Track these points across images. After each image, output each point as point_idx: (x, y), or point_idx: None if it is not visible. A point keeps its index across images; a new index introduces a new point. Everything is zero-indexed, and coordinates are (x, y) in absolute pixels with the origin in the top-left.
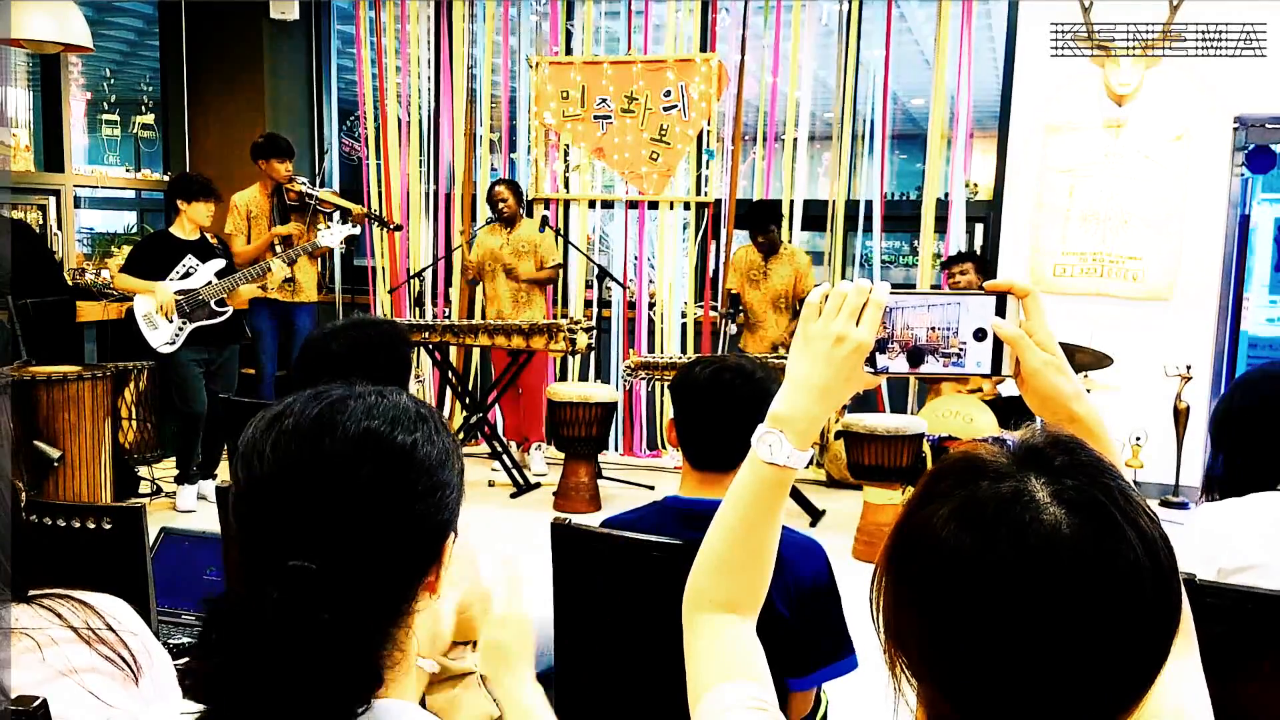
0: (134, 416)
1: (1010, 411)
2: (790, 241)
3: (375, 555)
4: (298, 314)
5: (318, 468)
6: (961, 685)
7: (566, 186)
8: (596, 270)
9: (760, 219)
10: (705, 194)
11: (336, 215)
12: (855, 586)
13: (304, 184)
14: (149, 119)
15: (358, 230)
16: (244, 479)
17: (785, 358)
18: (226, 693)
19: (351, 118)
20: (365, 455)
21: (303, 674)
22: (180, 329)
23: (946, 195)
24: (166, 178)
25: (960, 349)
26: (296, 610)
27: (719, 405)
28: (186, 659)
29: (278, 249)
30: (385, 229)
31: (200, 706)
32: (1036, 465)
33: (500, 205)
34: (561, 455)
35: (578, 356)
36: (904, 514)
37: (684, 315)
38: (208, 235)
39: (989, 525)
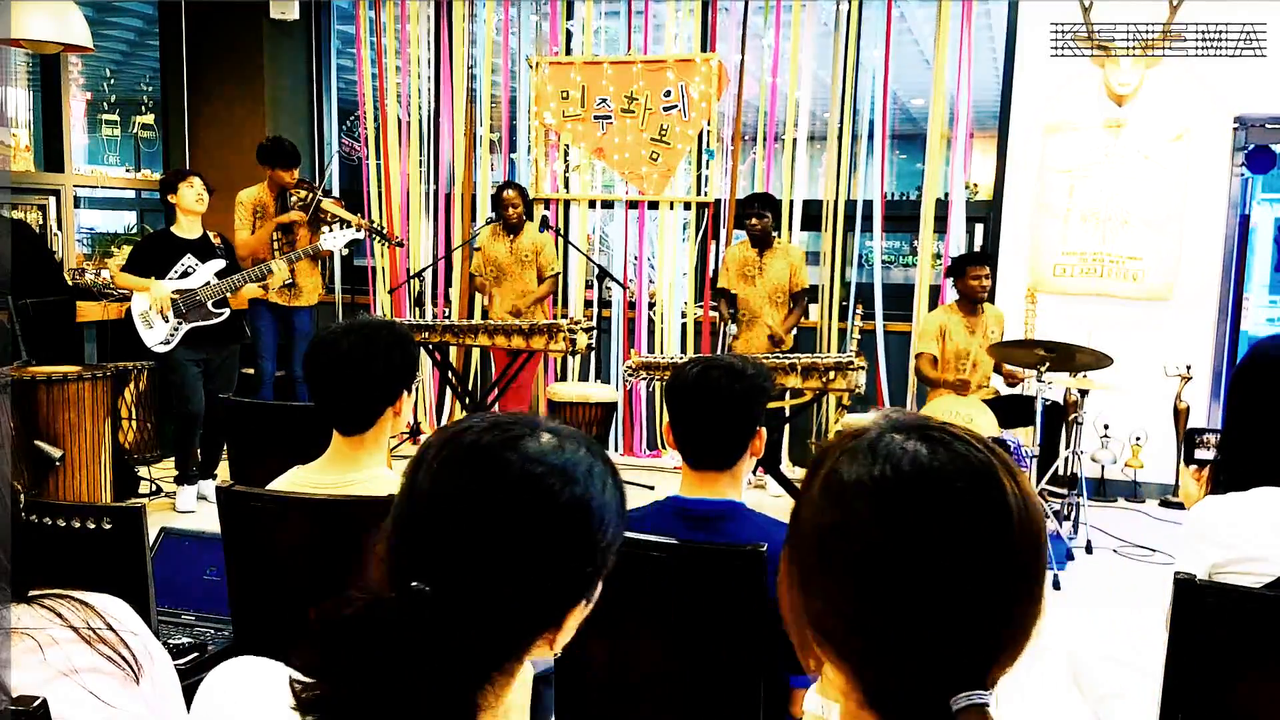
0: (134, 416)
1: (1010, 411)
2: (790, 241)
3: (496, 599)
4: (297, 316)
5: (470, 499)
6: (869, 626)
7: (566, 186)
8: (596, 270)
9: (751, 203)
10: (705, 194)
11: (338, 226)
12: None
13: (307, 191)
14: (149, 119)
15: (360, 235)
16: (405, 487)
17: (780, 355)
18: (323, 698)
19: (351, 118)
20: (519, 500)
21: (398, 694)
22: (175, 329)
23: (946, 195)
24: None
25: None
26: (407, 629)
27: (711, 404)
28: (189, 659)
29: (276, 240)
30: (386, 244)
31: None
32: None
33: (509, 210)
34: None
35: (578, 356)
36: (794, 508)
37: (684, 315)
38: (209, 235)
39: (867, 458)
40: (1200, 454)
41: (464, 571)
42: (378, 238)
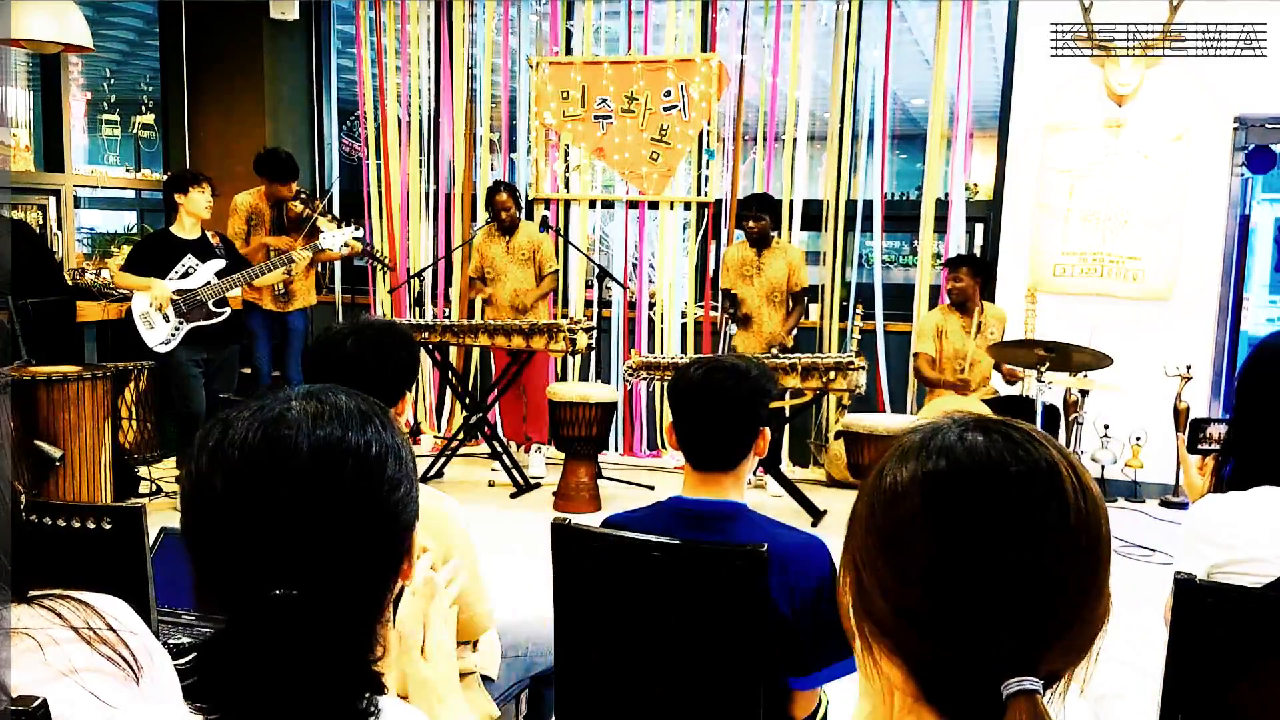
0: (134, 416)
1: (1010, 411)
2: (791, 241)
3: (354, 563)
4: (291, 316)
5: (280, 491)
6: (928, 621)
7: (566, 186)
8: (596, 270)
9: (749, 204)
10: (705, 194)
11: (336, 225)
12: None
13: (304, 205)
14: (149, 119)
15: (360, 233)
16: (197, 512)
17: (780, 355)
18: None
19: (351, 118)
20: (325, 467)
21: (304, 696)
22: (176, 329)
23: (946, 195)
24: (166, 178)
25: None
26: (288, 638)
27: (715, 405)
28: (189, 659)
29: (272, 256)
30: (380, 266)
31: None
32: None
33: (503, 214)
34: (561, 455)
35: (578, 356)
36: (851, 512)
37: (684, 315)
38: (209, 235)
39: (920, 454)
40: (1203, 447)
41: (312, 557)
42: (370, 259)
